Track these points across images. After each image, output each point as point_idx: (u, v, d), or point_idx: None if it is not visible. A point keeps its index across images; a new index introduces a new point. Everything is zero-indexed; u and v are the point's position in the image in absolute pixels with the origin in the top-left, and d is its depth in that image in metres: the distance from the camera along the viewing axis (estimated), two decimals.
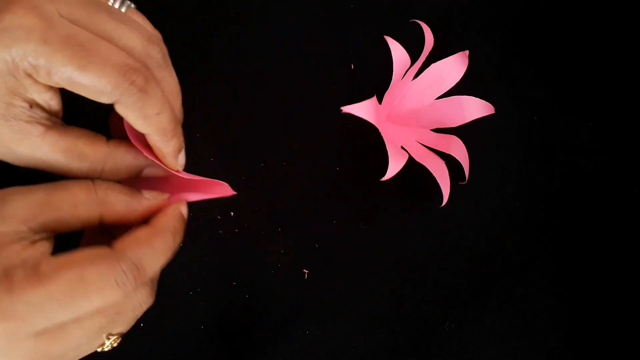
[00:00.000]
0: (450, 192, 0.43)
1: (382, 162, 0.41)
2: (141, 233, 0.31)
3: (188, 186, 0.36)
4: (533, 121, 0.47)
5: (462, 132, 0.45)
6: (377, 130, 0.42)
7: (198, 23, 0.49)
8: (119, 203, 0.32)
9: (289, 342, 0.41)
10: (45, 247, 0.30)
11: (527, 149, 0.46)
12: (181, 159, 0.35)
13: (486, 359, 0.42)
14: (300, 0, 0.49)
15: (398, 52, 0.43)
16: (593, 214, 0.45)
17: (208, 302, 0.42)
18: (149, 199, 0.33)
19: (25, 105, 0.32)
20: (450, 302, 0.43)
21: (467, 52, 0.45)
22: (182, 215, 0.34)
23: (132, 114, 0.31)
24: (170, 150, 0.34)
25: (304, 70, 0.48)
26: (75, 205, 0.30)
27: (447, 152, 0.43)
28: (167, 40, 0.49)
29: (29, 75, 0.30)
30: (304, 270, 0.43)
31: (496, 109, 0.45)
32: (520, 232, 0.44)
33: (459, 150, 0.44)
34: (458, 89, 0.45)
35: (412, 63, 0.43)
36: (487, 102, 0.45)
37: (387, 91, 0.43)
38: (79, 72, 0.30)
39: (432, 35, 0.44)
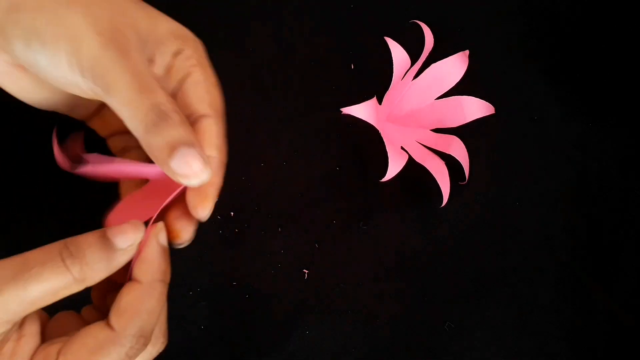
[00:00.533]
0: (450, 192, 0.43)
1: (382, 162, 0.41)
2: (133, 300, 0.30)
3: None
4: (533, 121, 0.47)
5: (462, 132, 0.45)
6: (378, 130, 0.42)
7: (198, 23, 0.49)
8: (97, 274, 0.30)
9: (289, 342, 0.41)
10: (34, 326, 0.30)
11: (527, 149, 0.46)
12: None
13: (486, 359, 0.42)
14: (300, 0, 0.49)
15: (398, 53, 0.43)
16: (593, 214, 0.45)
17: (208, 302, 0.42)
18: (125, 252, 0.30)
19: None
20: (450, 302, 0.43)
21: (467, 52, 0.45)
22: (162, 251, 0.31)
23: (219, 132, 0.32)
24: (219, 182, 0.32)
25: (304, 70, 0.48)
26: (55, 292, 0.29)
27: (447, 153, 0.43)
28: None
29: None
30: (304, 270, 0.43)
31: (496, 109, 0.45)
32: (520, 232, 0.44)
33: (459, 150, 0.44)
34: (458, 89, 0.45)
35: (413, 63, 0.43)
36: (487, 102, 0.45)
37: (387, 92, 0.43)
38: None
39: (432, 36, 0.44)
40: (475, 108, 0.45)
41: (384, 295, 0.43)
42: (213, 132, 0.32)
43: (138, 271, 0.31)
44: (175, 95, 0.33)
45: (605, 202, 0.45)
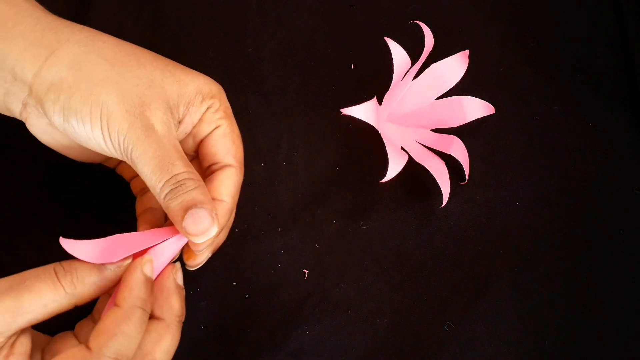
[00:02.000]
0: (450, 192, 0.43)
1: (382, 162, 0.41)
2: (110, 322, 0.31)
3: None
4: (533, 121, 0.47)
5: (462, 132, 0.45)
6: (377, 130, 0.42)
7: (197, 23, 0.49)
8: (88, 289, 0.32)
9: (289, 342, 0.41)
10: (24, 346, 0.32)
11: (527, 149, 0.46)
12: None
13: (486, 358, 0.42)
14: (300, 0, 0.49)
15: (398, 53, 0.43)
16: (593, 214, 0.45)
17: (208, 302, 0.42)
18: (113, 272, 0.33)
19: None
20: (450, 302, 0.43)
21: (467, 51, 0.45)
22: (144, 280, 0.33)
23: (238, 183, 0.37)
24: (222, 224, 0.35)
25: (304, 70, 0.48)
26: (46, 305, 0.31)
27: (447, 153, 0.43)
28: (165, 41, 0.49)
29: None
30: (304, 270, 0.43)
31: (496, 109, 0.45)
32: (519, 232, 0.44)
33: (459, 150, 0.44)
34: (458, 89, 0.45)
35: (413, 64, 0.43)
36: (487, 102, 0.45)
37: (388, 92, 0.43)
38: None
39: (432, 36, 0.44)
40: (475, 108, 0.45)
41: (383, 295, 0.43)
42: (232, 181, 0.37)
43: (119, 297, 0.32)
44: (201, 142, 0.38)
45: (606, 202, 0.45)
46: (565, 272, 0.44)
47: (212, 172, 0.37)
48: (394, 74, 0.43)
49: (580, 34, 0.50)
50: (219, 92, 0.38)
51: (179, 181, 0.33)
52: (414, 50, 0.44)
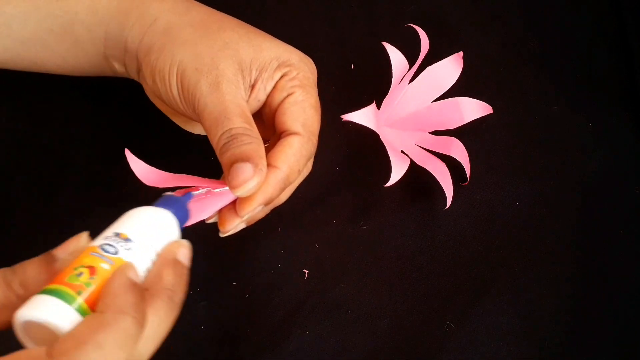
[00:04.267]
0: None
1: (382, 162, 0.41)
2: (83, 329, 0.26)
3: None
4: (533, 121, 0.47)
5: (461, 133, 0.45)
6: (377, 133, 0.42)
7: None
8: (39, 287, 0.29)
9: (289, 342, 0.41)
10: None
11: (527, 149, 0.46)
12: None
13: (486, 358, 0.42)
14: (300, 0, 0.49)
15: (396, 57, 0.43)
16: (593, 214, 0.45)
17: (208, 302, 0.42)
18: (62, 263, 0.30)
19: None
20: (450, 302, 0.43)
21: (460, 53, 0.45)
22: (131, 285, 0.29)
23: (300, 150, 0.37)
24: (270, 192, 0.36)
25: None
26: None
27: (447, 154, 0.43)
28: None
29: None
30: (304, 270, 0.43)
31: (495, 109, 0.45)
32: (520, 232, 0.44)
33: (458, 151, 0.44)
34: (457, 90, 0.45)
35: (411, 66, 0.43)
36: (485, 103, 0.45)
37: (386, 97, 0.43)
38: None
39: (427, 39, 0.44)
40: (472, 109, 0.45)
41: (383, 295, 0.43)
42: (294, 149, 0.37)
43: (101, 303, 0.28)
44: (276, 111, 0.38)
45: (606, 202, 0.45)
46: (565, 272, 0.44)
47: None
48: (393, 79, 0.43)
49: (580, 34, 0.50)
50: (299, 61, 0.39)
51: (232, 135, 0.35)
52: (413, 51, 0.44)
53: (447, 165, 0.43)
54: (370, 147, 0.44)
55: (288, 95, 0.38)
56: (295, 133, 0.37)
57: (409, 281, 0.43)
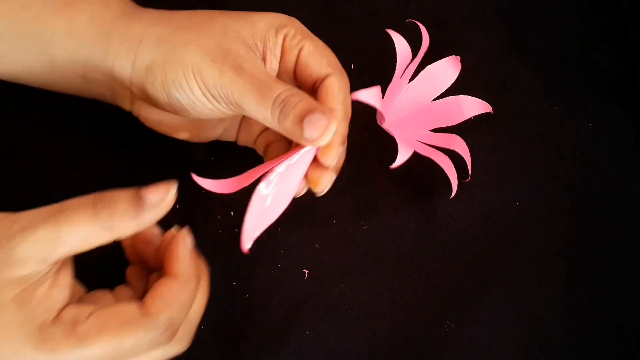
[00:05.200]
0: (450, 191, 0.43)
1: (383, 161, 0.41)
2: (168, 291, 0.32)
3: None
4: (533, 121, 0.47)
5: (462, 133, 0.45)
6: (377, 130, 0.42)
7: None
8: (126, 225, 0.32)
9: (289, 342, 0.41)
10: (67, 279, 0.32)
11: (527, 149, 0.46)
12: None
13: (486, 358, 0.42)
14: (300, 0, 0.49)
15: (401, 44, 0.43)
16: (593, 214, 0.45)
17: (208, 302, 0.42)
18: (154, 209, 0.32)
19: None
20: (450, 302, 0.43)
21: (458, 57, 0.45)
22: (190, 251, 0.35)
23: (341, 86, 0.37)
24: (341, 131, 0.36)
25: None
26: (84, 237, 0.31)
27: (450, 149, 0.43)
28: None
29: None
30: (304, 270, 0.43)
31: (495, 109, 0.45)
32: (520, 232, 0.44)
33: (460, 147, 0.44)
34: (457, 90, 0.45)
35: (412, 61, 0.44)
36: (484, 101, 0.45)
37: (388, 88, 0.43)
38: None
39: (428, 36, 0.44)
40: (472, 106, 0.45)
41: (383, 295, 0.43)
42: (335, 87, 0.36)
43: (176, 267, 0.33)
44: (296, 70, 0.38)
45: (606, 202, 0.45)
46: (565, 271, 0.44)
47: (316, 90, 0.37)
48: (397, 66, 0.42)
49: (580, 34, 0.50)
50: (290, 21, 0.39)
51: (283, 100, 0.34)
52: (414, 50, 0.44)
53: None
54: (370, 147, 0.44)
55: (300, 51, 0.38)
56: (327, 75, 0.37)
57: (409, 281, 0.43)
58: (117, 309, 0.31)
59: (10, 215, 0.31)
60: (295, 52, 0.38)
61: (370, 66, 0.48)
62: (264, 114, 0.35)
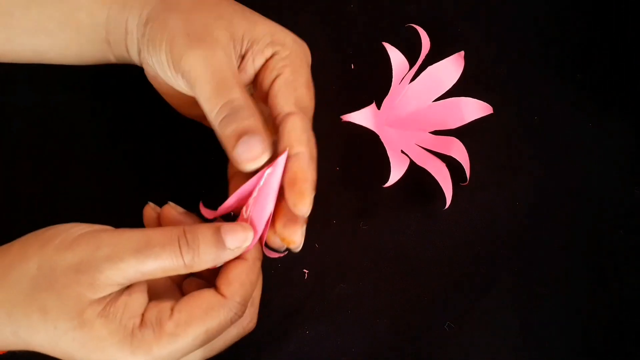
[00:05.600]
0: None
1: (383, 162, 0.41)
2: (240, 273, 0.34)
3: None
4: (533, 121, 0.47)
5: (462, 133, 0.45)
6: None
7: None
8: (205, 264, 0.34)
9: (289, 342, 0.41)
10: (143, 286, 0.34)
11: (527, 149, 0.46)
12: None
13: (486, 359, 0.42)
14: (300, 0, 0.49)
15: (396, 57, 0.43)
16: (593, 214, 0.45)
17: None
18: (232, 252, 0.34)
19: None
20: (450, 302, 0.43)
21: (462, 53, 0.45)
22: (255, 283, 0.36)
23: (306, 128, 0.36)
24: (312, 176, 0.35)
25: None
26: (164, 270, 0.33)
27: (447, 154, 0.43)
28: None
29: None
30: (304, 270, 0.43)
31: (496, 110, 0.45)
32: (520, 232, 0.44)
33: (458, 151, 0.44)
34: (457, 90, 0.45)
35: (412, 66, 0.43)
36: (485, 103, 0.45)
37: (386, 97, 0.43)
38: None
39: (428, 39, 0.44)
40: (473, 109, 0.45)
41: (383, 295, 0.43)
42: (298, 128, 0.35)
43: (231, 290, 0.34)
44: (269, 93, 0.37)
45: (606, 202, 0.45)
46: (566, 272, 0.44)
47: (278, 125, 0.36)
48: (393, 79, 0.42)
49: (580, 34, 0.50)
50: (292, 42, 0.38)
51: (234, 107, 0.34)
52: (414, 51, 0.44)
53: (447, 165, 0.43)
54: (370, 147, 0.44)
55: (277, 76, 0.37)
56: (289, 114, 0.36)
57: (409, 281, 0.43)
58: (196, 298, 0.33)
59: (91, 236, 0.33)
60: (274, 75, 0.37)
61: (370, 66, 0.48)
62: (210, 108, 0.34)
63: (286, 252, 0.38)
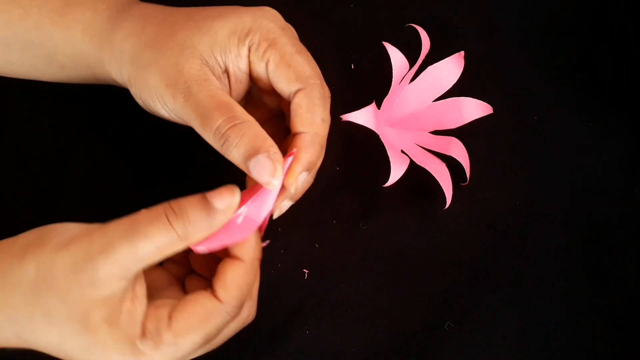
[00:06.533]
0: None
1: (383, 162, 0.41)
2: (237, 276, 0.34)
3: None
4: (533, 121, 0.47)
5: (461, 133, 0.45)
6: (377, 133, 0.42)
7: None
8: (199, 232, 0.33)
9: (288, 342, 0.41)
10: (143, 288, 0.33)
11: (527, 149, 0.46)
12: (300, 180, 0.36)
13: (486, 359, 0.42)
14: (300, 0, 0.49)
15: (397, 57, 0.43)
16: (593, 214, 0.45)
17: None
18: (223, 212, 0.33)
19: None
20: (450, 302, 0.43)
21: (462, 52, 0.45)
22: (256, 236, 0.36)
23: (310, 104, 0.35)
24: (307, 158, 0.36)
25: None
26: (159, 248, 0.32)
27: (447, 154, 0.43)
28: None
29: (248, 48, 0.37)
30: (304, 270, 0.43)
31: (496, 109, 0.45)
32: (520, 232, 0.44)
33: (458, 151, 0.44)
34: (457, 90, 0.45)
35: (412, 65, 0.43)
36: (485, 103, 0.45)
37: (387, 97, 0.43)
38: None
39: (428, 39, 0.44)
40: (473, 109, 0.45)
41: (383, 295, 0.43)
42: (303, 107, 0.36)
43: (240, 251, 0.35)
44: (269, 84, 0.37)
45: (606, 202, 0.45)
46: (565, 272, 0.44)
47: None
48: (393, 79, 0.42)
49: (580, 34, 0.50)
50: (254, 23, 0.37)
51: (223, 133, 0.34)
52: (414, 51, 0.44)
53: (447, 165, 0.43)
54: (370, 147, 0.44)
55: (267, 64, 0.36)
56: (295, 92, 0.36)
57: (409, 281, 0.43)
58: (193, 304, 0.33)
59: (84, 235, 0.32)
60: (263, 66, 0.37)
61: (370, 66, 0.48)
62: (210, 141, 0.35)
63: (269, 242, 0.39)
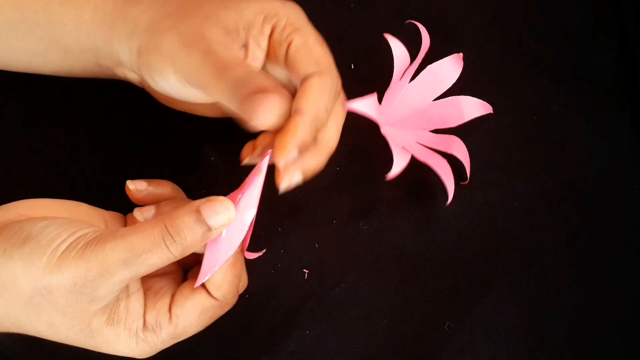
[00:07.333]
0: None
1: (383, 162, 0.41)
2: (225, 274, 0.36)
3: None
4: (533, 121, 0.47)
5: (462, 132, 0.45)
6: (378, 129, 0.42)
7: None
8: (194, 249, 0.34)
9: (289, 342, 0.41)
10: (137, 284, 0.36)
11: (527, 149, 0.46)
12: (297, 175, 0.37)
13: (486, 359, 0.42)
14: (300, 0, 0.49)
15: (398, 49, 0.43)
16: (593, 214, 0.45)
17: None
18: (217, 230, 0.34)
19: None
20: (450, 302, 0.43)
21: (460, 54, 0.45)
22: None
23: (321, 89, 0.35)
24: (301, 135, 0.35)
25: None
26: (158, 267, 0.34)
27: (448, 152, 0.43)
28: None
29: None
30: (304, 270, 0.43)
31: (495, 109, 0.45)
32: (520, 232, 0.44)
33: (459, 149, 0.44)
34: (457, 90, 0.45)
35: (412, 62, 0.43)
36: (485, 102, 0.45)
37: (386, 91, 0.43)
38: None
39: (428, 36, 0.44)
40: (473, 107, 0.45)
41: (383, 295, 0.43)
42: (314, 89, 0.35)
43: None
44: (287, 66, 0.37)
45: (606, 202, 0.45)
46: (565, 272, 0.44)
47: None
48: (394, 71, 0.42)
49: (580, 34, 0.50)
50: (282, 9, 0.37)
51: (237, 79, 0.34)
52: (414, 50, 0.44)
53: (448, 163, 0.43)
54: (370, 147, 0.44)
55: (289, 46, 0.36)
56: (310, 75, 0.36)
57: (409, 281, 0.43)
58: (191, 302, 0.36)
59: (77, 255, 0.33)
60: (285, 46, 0.37)
61: (370, 66, 0.48)
62: (226, 97, 0.34)
63: (264, 251, 0.40)
